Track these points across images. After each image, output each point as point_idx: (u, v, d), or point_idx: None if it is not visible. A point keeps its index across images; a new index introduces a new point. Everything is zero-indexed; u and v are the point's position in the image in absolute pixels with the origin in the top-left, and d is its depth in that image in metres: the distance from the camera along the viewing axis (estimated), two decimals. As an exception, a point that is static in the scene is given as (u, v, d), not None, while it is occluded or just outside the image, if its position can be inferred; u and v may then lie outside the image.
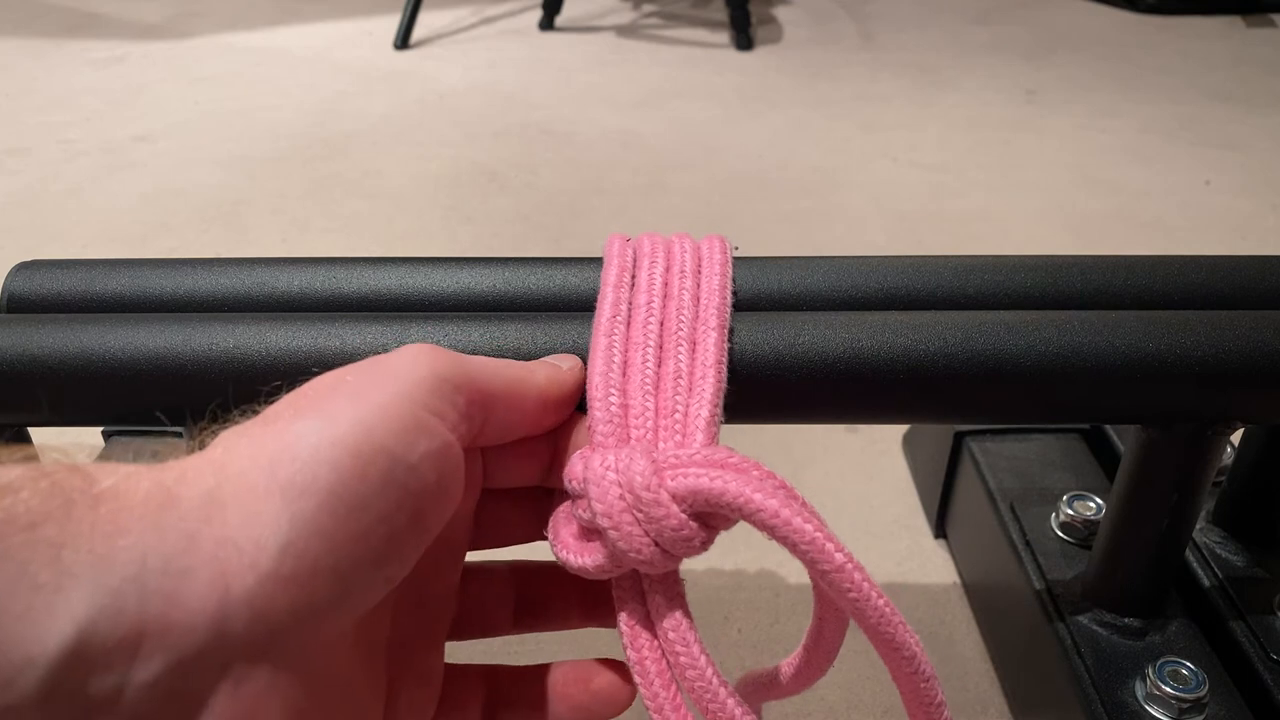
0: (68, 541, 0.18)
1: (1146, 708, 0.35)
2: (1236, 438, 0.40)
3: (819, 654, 0.28)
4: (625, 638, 0.25)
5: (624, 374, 0.27)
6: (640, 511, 0.23)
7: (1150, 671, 0.36)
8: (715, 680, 0.24)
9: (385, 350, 0.30)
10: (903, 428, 0.61)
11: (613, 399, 0.26)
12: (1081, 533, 0.43)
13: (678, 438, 0.26)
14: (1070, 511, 0.43)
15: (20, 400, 0.30)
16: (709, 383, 0.27)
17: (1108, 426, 0.49)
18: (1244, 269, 0.36)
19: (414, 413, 0.22)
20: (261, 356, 0.30)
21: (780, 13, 1.56)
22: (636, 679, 0.25)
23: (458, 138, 1.09)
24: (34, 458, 0.21)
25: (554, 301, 0.34)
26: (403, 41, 1.37)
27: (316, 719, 0.21)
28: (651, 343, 0.28)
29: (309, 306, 0.34)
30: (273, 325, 0.30)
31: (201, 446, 0.21)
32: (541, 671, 0.28)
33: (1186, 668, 0.36)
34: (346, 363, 0.30)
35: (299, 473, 0.20)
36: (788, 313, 0.31)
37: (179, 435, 0.48)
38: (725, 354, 0.28)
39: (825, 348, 0.30)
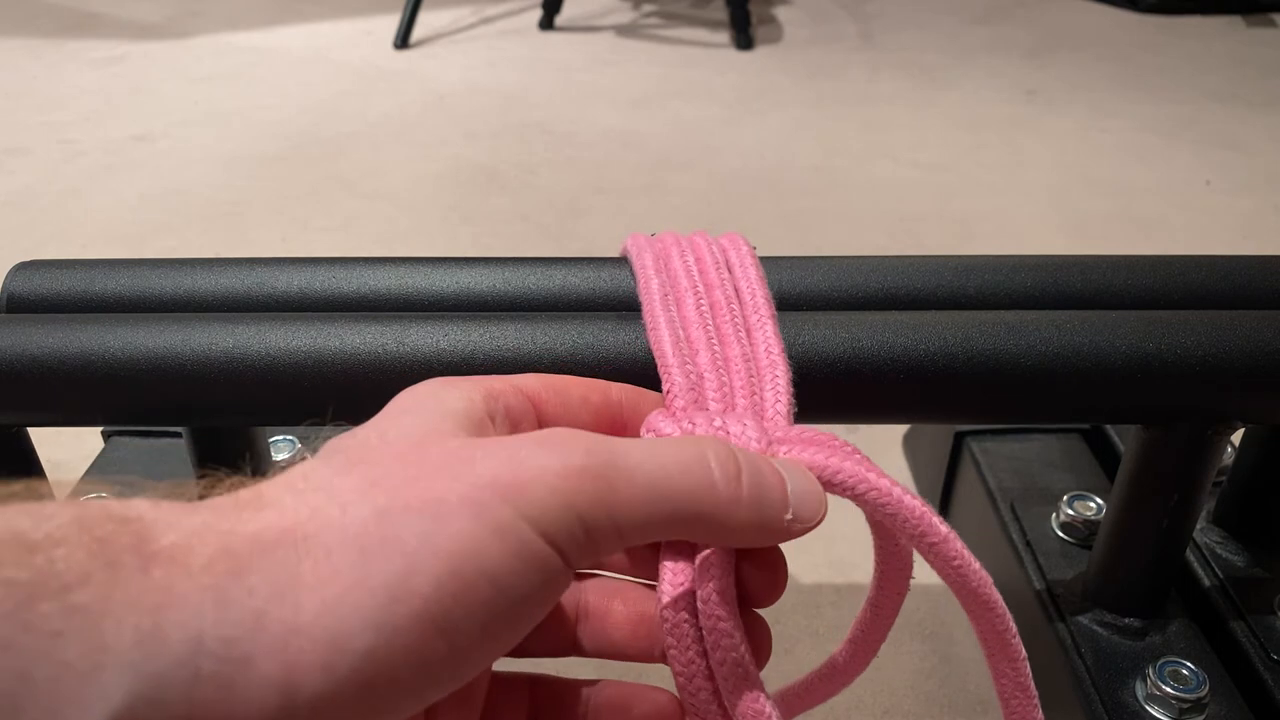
0: (110, 611, 0.15)
1: (1147, 708, 0.35)
2: (1236, 438, 0.40)
3: (875, 635, 0.28)
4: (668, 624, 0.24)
5: (691, 348, 0.27)
6: None
7: (1150, 671, 0.36)
8: (751, 667, 0.23)
9: (385, 353, 0.30)
10: (903, 428, 0.61)
11: (689, 366, 0.26)
12: (1082, 533, 0.43)
13: (759, 416, 0.25)
14: (1070, 511, 0.43)
15: (20, 400, 0.30)
16: (780, 370, 0.27)
17: (1108, 426, 0.49)
18: (1244, 269, 0.36)
19: (534, 546, 0.19)
20: (261, 356, 0.30)
21: (780, 13, 1.56)
22: (671, 652, 0.23)
23: (457, 138, 1.09)
24: (69, 500, 0.19)
25: (554, 301, 0.34)
26: (402, 41, 1.37)
27: None
28: (709, 322, 0.28)
29: (309, 306, 0.34)
30: (273, 325, 0.30)
31: (276, 476, 0.19)
32: (588, 689, 0.26)
33: (1187, 668, 0.36)
34: (347, 364, 0.30)
35: (395, 576, 0.17)
36: (788, 312, 0.31)
37: (178, 436, 0.48)
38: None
39: (825, 347, 0.30)
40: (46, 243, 0.87)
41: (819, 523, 0.22)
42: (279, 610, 0.16)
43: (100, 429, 0.51)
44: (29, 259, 0.36)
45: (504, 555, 0.18)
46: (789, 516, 0.21)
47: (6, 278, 0.35)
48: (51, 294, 0.34)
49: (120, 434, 0.50)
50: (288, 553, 0.17)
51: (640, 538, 0.20)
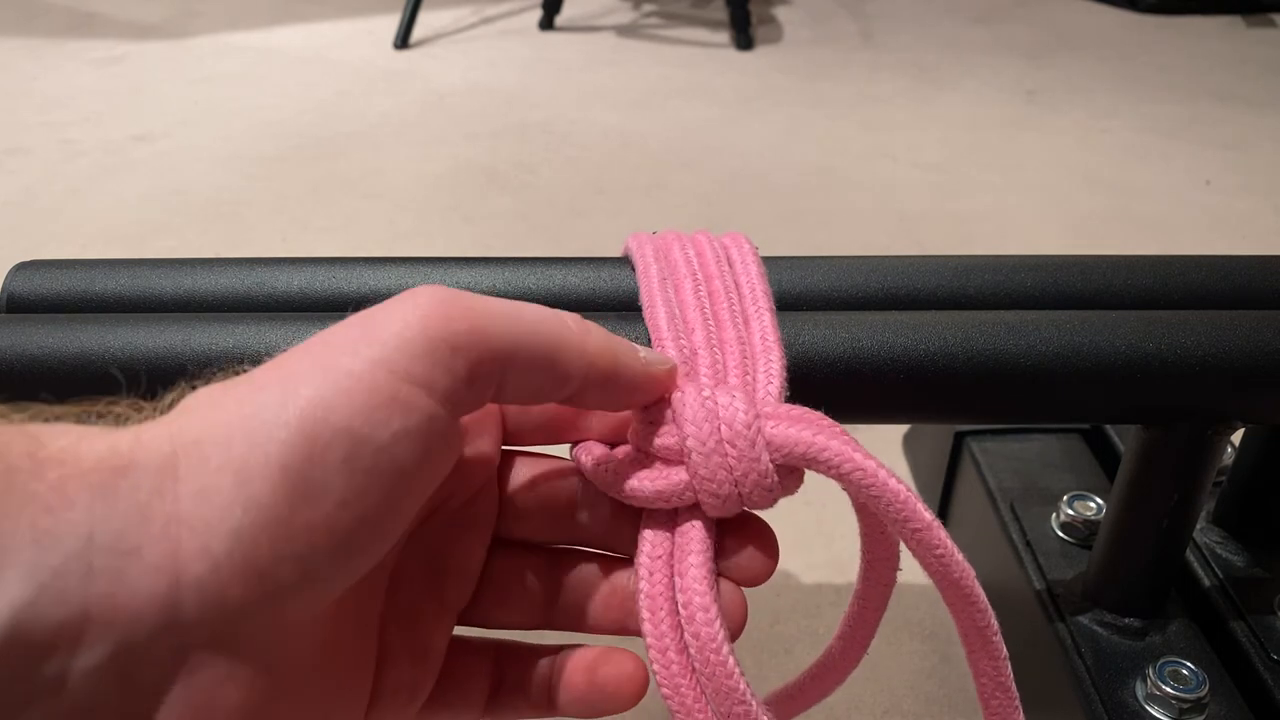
0: (7, 513, 0.16)
1: (1147, 708, 0.35)
2: (1236, 438, 0.40)
3: (863, 631, 0.28)
4: (643, 598, 0.24)
5: (686, 326, 0.27)
6: (733, 449, 0.23)
7: (1150, 671, 0.36)
8: (731, 660, 0.23)
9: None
10: (903, 428, 0.61)
11: (683, 342, 0.26)
12: (1082, 533, 0.43)
13: (750, 393, 0.25)
14: (1070, 511, 0.43)
15: (20, 400, 0.30)
16: (775, 355, 0.27)
17: (1108, 426, 0.49)
18: (1244, 269, 0.36)
19: (389, 385, 0.19)
20: (261, 356, 0.29)
21: (780, 13, 1.56)
22: (645, 621, 0.23)
23: (458, 138, 1.09)
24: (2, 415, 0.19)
25: (554, 301, 0.34)
26: (403, 41, 1.37)
27: (284, 705, 0.19)
28: (705, 306, 0.28)
29: (309, 306, 0.34)
30: (273, 325, 0.30)
31: (168, 409, 0.20)
32: (554, 654, 0.26)
33: (1187, 668, 0.36)
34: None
35: (251, 451, 0.18)
36: (788, 312, 0.31)
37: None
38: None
39: (825, 348, 0.30)
40: (46, 243, 0.87)
41: (672, 372, 0.24)
42: (159, 502, 0.17)
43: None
44: (29, 259, 0.36)
45: (359, 405, 0.19)
46: (642, 355, 0.23)
47: (6, 278, 0.35)
48: (51, 294, 0.34)
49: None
50: (161, 445, 0.18)
51: (522, 373, 0.21)
